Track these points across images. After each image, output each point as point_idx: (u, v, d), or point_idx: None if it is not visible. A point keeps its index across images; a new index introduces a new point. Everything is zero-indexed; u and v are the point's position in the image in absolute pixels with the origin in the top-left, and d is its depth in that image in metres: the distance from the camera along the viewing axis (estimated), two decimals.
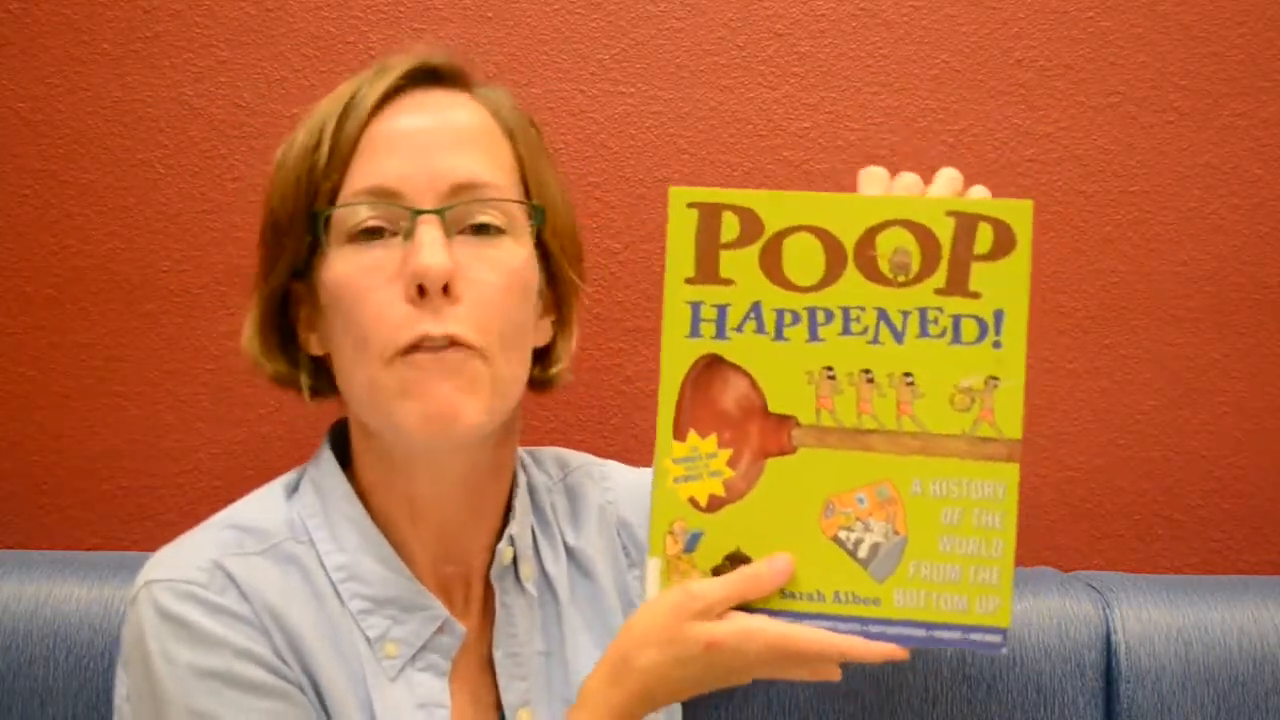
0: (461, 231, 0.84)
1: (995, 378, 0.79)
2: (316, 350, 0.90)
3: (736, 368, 0.81)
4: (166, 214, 1.21)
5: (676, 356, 0.81)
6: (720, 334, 0.81)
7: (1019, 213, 0.79)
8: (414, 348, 0.82)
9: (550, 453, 1.02)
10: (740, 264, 0.81)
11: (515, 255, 0.86)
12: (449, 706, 0.85)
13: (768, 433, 0.81)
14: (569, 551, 0.96)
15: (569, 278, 0.91)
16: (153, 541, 1.20)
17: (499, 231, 0.85)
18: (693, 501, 0.81)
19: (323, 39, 1.21)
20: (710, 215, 0.81)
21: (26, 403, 1.22)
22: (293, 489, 0.91)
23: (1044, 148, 1.23)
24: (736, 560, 0.81)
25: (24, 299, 1.21)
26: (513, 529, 0.91)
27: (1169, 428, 1.25)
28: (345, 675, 0.84)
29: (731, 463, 0.81)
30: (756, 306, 0.80)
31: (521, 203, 0.87)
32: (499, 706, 0.90)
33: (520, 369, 0.87)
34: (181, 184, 1.21)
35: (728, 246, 0.81)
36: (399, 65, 0.87)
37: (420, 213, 0.83)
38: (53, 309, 1.21)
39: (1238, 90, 1.24)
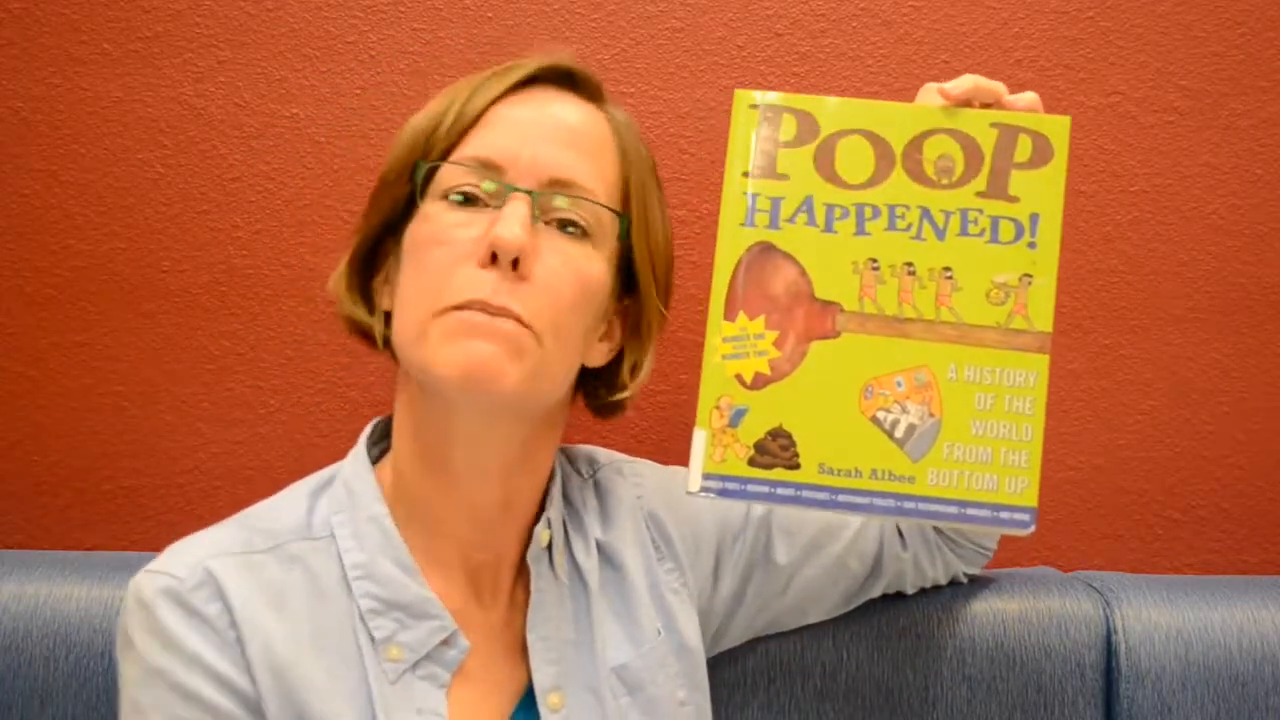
0: (548, 222, 0.87)
1: (1029, 275, 0.86)
2: (386, 305, 0.92)
3: (787, 256, 0.87)
4: (166, 214, 1.21)
5: (731, 243, 0.87)
6: (773, 224, 0.87)
7: (1058, 127, 0.86)
8: (468, 306, 0.83)
9: (582, 450, 1.04)
10: (796, 161, 0.87)
11: (591, 260, 0.88)
12: (445, 717, 0.86)
13: (813, 317, 0.86)
14: (599, 546, 0.97)
15: (654, 303, 0.93)
16: (152, 542, 1.22)
17: (582, 234, 0.88)
18: (739, 379, 0.86)
19: (323, 39, 1.21)
20: (771, 116, 0.87)
21: (26, 403, 1.22)
22: (323, 486, 0.92)
23: None
24: (778, 435, 0.85)
25: (24, 299, 1.21)
26: (550, 513, 0.93)
27: (1169, 428, 1.25)
28: (342, 678, 0.84)
29: (778, 344, 0.86)
30: (809, 200, 0.87)
31: (609, 208, 0.89)
32: (522, 695, 0.90)
33: (564, 366, 0.89)
34: (181, 184, 1.21)
35: (786, 145, 0.87)
36: (538, 60, 0.92)
37: (514, 189, 0.86)
38: (53, 309, 1.21)
39: (1238, 90, 1.24)
